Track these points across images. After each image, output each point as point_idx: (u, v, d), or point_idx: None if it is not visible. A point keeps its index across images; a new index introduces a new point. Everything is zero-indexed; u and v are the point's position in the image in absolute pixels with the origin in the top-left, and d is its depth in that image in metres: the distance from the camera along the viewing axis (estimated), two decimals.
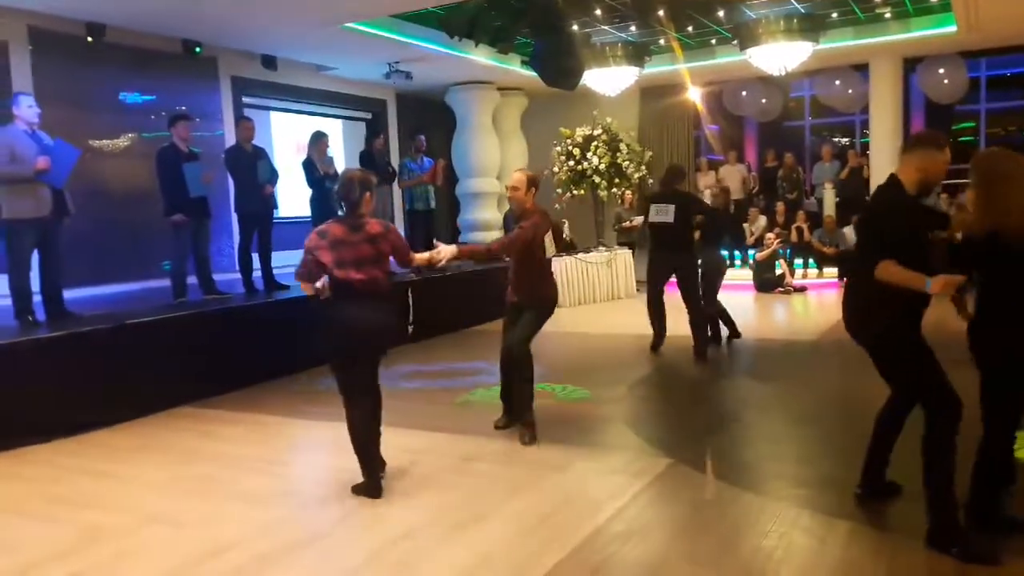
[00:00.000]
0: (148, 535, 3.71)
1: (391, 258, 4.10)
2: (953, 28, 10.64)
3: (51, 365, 5.49)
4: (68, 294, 6.50)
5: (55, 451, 5.16)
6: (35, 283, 6.22)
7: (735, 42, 11.13)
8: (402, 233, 10.21)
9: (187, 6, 8.17)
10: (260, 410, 6.01)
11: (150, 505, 4.11)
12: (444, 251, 4.48)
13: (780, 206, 13.12)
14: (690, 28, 11.33)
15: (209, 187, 7.39)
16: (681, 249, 7.26)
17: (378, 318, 4.00)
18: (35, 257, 6.17)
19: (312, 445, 5.24)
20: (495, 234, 13.60)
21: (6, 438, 5.12)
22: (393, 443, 4.91)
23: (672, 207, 7.14)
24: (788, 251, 12.44)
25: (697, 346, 7.31)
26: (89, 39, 8.56)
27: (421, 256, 4.35)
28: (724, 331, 8.03)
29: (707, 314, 7.60)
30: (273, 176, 7.99)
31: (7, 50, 8.18)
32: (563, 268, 11.34)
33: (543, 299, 5.03)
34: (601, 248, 12.42)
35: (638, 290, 12.48)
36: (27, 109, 5.98)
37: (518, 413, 5.00)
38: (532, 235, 4.83)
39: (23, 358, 5.35)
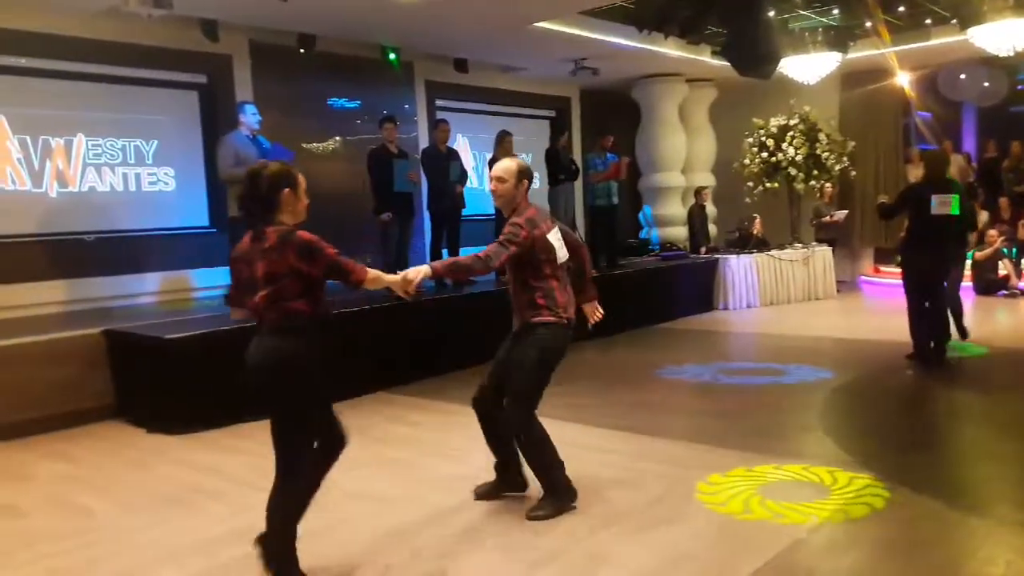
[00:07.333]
0: (353, 509, 3.97)
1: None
2: None
3: None
4: None
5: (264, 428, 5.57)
6: None
7: (954, 21, 10.16)
8: (581, 231, 10.33)
9: (388, 15, 8.56)
10: (447, 399, 6.17)
11: (349, 484, 4.33)
12: (412, 273, 3.40)
13: (1004, 200, 11.98)
14: (901, 8, 10.47)
15: (414, 185, 7.72)
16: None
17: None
18: None
19: None
20: (679, 230, 13.26)
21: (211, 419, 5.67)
22: (581, 441, 4.90)
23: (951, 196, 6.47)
24: (1013, 250, 11.28)
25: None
26: (301, 50, 9.23)
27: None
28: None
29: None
30: (463, 177, 8.24)
31: (231, 63, 9.02)
32: (756, 266, 10.92)
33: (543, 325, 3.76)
34: (797, 245, 11.80)
35: (839, 290, 11.79)
36: (251, 116, 6.57)
37: (516, 481, 4.01)
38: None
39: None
